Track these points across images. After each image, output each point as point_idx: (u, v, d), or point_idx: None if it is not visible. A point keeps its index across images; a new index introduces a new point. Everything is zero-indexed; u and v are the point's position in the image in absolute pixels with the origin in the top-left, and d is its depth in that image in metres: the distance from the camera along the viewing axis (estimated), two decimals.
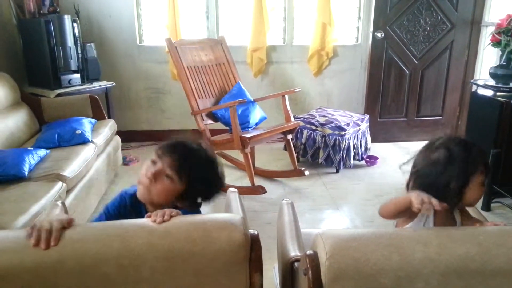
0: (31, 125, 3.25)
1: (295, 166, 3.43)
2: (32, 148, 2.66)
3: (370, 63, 4.21)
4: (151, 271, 0.95)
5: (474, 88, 3.56)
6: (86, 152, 2.83)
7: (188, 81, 3.32)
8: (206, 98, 3.43)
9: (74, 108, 3.38)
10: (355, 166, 3.73)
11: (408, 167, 1.34)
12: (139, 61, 4.23)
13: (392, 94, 4.30)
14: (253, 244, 1.01)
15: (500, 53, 3.30)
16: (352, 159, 3.64)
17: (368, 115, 3.88)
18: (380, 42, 4.12)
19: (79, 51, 3.67)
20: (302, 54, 4.29)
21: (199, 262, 0.97)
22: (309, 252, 1.00)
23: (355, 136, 3.64)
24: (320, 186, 3.39)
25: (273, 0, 4.17)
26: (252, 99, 3.54)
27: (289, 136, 3.39)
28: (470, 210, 1.40)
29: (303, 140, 3.69)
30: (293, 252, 1.32)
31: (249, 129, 3.37)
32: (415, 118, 4.40)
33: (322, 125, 3.58)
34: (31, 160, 2.48)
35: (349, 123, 3.59)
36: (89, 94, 3.50)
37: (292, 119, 3.41)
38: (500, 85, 3.21)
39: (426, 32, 4.14)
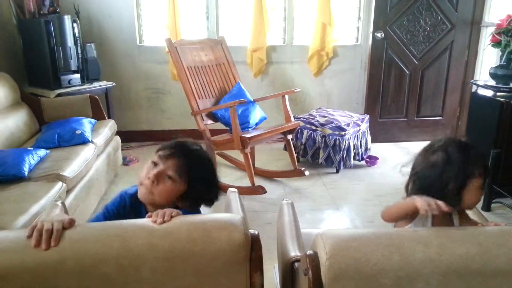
0: (31, 125, 3.25)
1: (295, 166, 3.43)
2: (32, 148, 2.66)
3: (370, 63, 4.21)
4: (151, 271, 0.95)
5: (474, 88, 3.56)
6: (86, 152, 2.82)
7: (188, 81, 3.32)
8: (206, 98, 3.43)
9: (74, 108, 3.38)
10: (355, 166, 3.73)
11: (408, 169, 1.35)
12: (139, 61, 4.23)
13: (392, 94, 4.30)
14: (253, 244, 1.01)
15: (500, 53, 3.30)
16: (352, 159, 3.64)
17: (368, 115, 3.88)
18: (380, 42, 4.12)
19: (79, 51, 3.67)
20: (302, 54, 4.29)
21: (199, 262, 0.96)
22: (309, 252, 1.00)
23: (355, 136, 3.64)
24: (320, 186, 3.39)
25: (273, 0, 4.17)
26: (252, 99, 3.54)
27: (289, 136, 3.39)
28: (470, 210, 1.40)
29: (303, 140, 3.69)
30: (293, 252, 1.32)
31: (249, 129, 3.37)
32: (415, 118, 4.40)
33: (322, 125, 3.58)
34: (31, 160, 2.48)
35: (349, 123, 3.59)
36: (89, 94, 3.50)
37: (292, 119, 3.41)
38: (500, 86, 3.21)
39: (426, 33, 4.14)
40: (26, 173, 2.37)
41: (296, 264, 1.25)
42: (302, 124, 3.61)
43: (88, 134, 3.00)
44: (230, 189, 1.80)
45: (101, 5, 4.03)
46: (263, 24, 4.08)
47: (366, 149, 3.83)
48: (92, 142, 2.99)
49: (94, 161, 2.94)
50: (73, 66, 3.62)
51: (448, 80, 4.31)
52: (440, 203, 1.13)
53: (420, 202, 1.16)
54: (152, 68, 4.25)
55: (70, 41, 3.54)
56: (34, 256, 0.92)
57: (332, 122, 3.56)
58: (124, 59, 4.21)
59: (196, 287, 1.00)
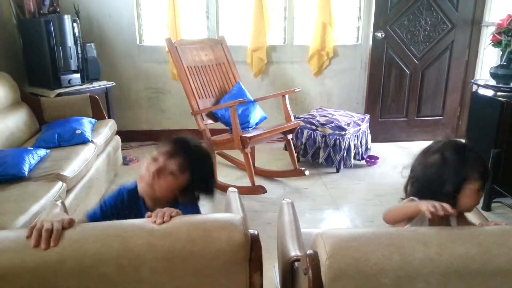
0: (31, 125, 3.25)
1: (295, 166, 3.43)
2: (32, 148, 2.66)
3: (371, 63, 4.21)
4: (151, 272, 0.95)
5: (474, 88, 3.56)
6: (86, 152, 2.82)
7: (188, 81, 3.32)
8: (206, 98, 3.43)
9: (74, 108, 3.38)
10: (356, 166, 3.73)
11: (409, 170, 1.35)
12: (139, 61, 4.23)
13: (392, 94, 4.29)
14: (253, 244, 1.01)
15: (501, 53, 3.30)
16: (352, 159, 3.64)
17: (368, 115, 3.88)
18: (380, 42, 4.12)
19: (79, 51, 3.67)
20: (303, 54, 4.29)
21: (199, 262, 0.96)
22: (309, 251, 1.00)
23: (355, 136, 3.64)
24: (320, 186, 3.39)
25: (273, 0, 4.16)
26: (252, 99, 3.53)
27: (290, 136, 3.39)
28: (470, 211, 1.40)
29: (304, 140, 3.69)
30: (293, 251, 1.32)
31: (249, 129, 3.36)
32: (416, 118, 4.40)
33: (323, 125, 3.57)
34: (31, 160, 2.48)
35: (350, 123, 3.59)
36: (89, 94, 3.50)
37: (293, 119, 3.41)
38: (500, 85, 3.20)
39: (426, 32, 4.14)
40: (26, 173, 2.37)
41: (296, 263, 1.25)
42: (302, 123, 3.61)
43: (88, 134, 3.00)
44: (230, 188, 1.80)
45: (101, 5, 4.03)
46: (263, 24, 4.08)
47: (366, 148, 3.83)
48: (92, 141, 2.99)
49: (94, 161, 2.94)
50: (73, 66, 3.62)
51: (448, 80, 4.31)
52: (446, 205, 1.12)
53: (426, 206, 1.15)
54: (152, 67, 4.25)
55: (70, 41, 3.54)
56: (34, 256, 0.92)
57: (332, 122, 3.56)
58: (124, 59, 4.21)
59: (196, 287, 1.00)
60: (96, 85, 3.80)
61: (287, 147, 3.51)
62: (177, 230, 0.99)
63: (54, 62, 3.47)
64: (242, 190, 3.03)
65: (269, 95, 3.65)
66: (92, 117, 3.34)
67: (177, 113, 4.34)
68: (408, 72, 4.25)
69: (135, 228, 1.00)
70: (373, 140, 4.04)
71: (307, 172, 3.39)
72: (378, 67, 4.20)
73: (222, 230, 0.98)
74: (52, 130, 2.99)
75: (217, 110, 3.35)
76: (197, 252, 0.96)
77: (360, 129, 3.70)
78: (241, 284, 1.02)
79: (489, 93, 3.21)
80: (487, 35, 3.94)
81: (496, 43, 3.24)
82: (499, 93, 3.14)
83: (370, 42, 4.16)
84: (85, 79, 3.74)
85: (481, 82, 3.45)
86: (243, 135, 3.04)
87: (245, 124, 3.33)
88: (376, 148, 4.09)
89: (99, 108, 3.46)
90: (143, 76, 4.27)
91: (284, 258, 1.36)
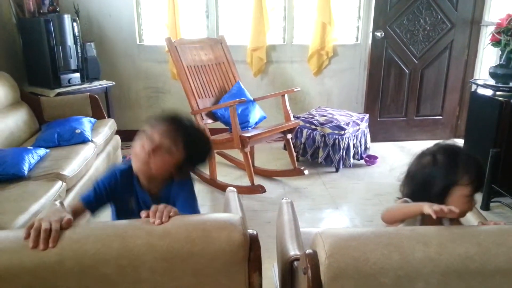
0: (31, 125, 3.25)
1: (294, 166, 3.43)
2: (31, 147, 2.66)
3: (370, 63, 4.21)
4: (150, 272, 0.95)
5: (473, 87, 3.56)
6: (85, 151, 2.83)
7: (188, 80, 3.32)
8: (206, 97, 3.43)
9: (73, 108, 3.38)
10: (355, 166, 3.73)
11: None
12: (139, 61, 4.23)
13: (391, 93, 4.30)
14: (252, 244, 1.01)
15: (500, 52, 3.30)
16: (351, 159, 3.64)
17: (367, 115, 3.88)
18: (380, 42, 4.12)
19: (79, 51, 3.67)
20: (302, 53, 4.29)
21: (198, 262, 0.96)
22: (308, 251, 1.00)
23: (354, 136, 3.65)
24: (320, 185, 3.39)
25: None
26: (251, 99, 3.54)
27: (289, 136, 3.39)
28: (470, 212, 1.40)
29: (303, 140, 3.69)
30: (293, 251, 1.32)
31: (249, 128, 3.37)
32: (415, 118, 4.40)
33: (322, 124, 3.58)
34: (30, 159, 2.48)
35: (349, 122, 3.59)
36: (88, 93, 3.50)
37: (292, 118, 3.41)
38: (499, 85, 3.20)
39: (426, 32, 4.14)
40: (26, 172, 2.37)
41: (295, 263, 1.25)
42: (301, 123, 3.61)
43: (88, 133, 3.00)
44: (228, 188, 1.80)
45: (101, 4, 4.03)
46: (263, 23, 4.08)
47: (366, 148, 3.83)
48: (92, 141, 2.99)
49: (94, 160, 2.94)
50: (73, 65, 3.62)
51: (447, 80, 4.31)
52: (452, 207, 1.12)
53: (429, 207, 1.15)
54: (152, 67, 4.25)
55: (70, 40, 3.54)
56: (33, 257, 0.92)
57: (331, 122, 3.56)
58: (124, 58, 4.21)
59: (195, 287, 1.00)
60: (96, 84, 3.80)
61: (286, 147, 3.51)
62: (176, 230, 0.98)
63: (54, 62, 3.47)
64: (242, 190, 3.04)
65: (269, 95, 3.65)
66: (92, 117, 3.34)
67: None
68: (407, 71, 4.25)
69: (135, 228, 1.00)
70: (372, 140, 4.04)
71: (306, 172, 3.39)
72: (378, 66, 4.20)
73: (222, 230, 0.98)
74: (52, 130, 2.99)
75: (216, 110, 3.35)
76: (196, 252, 0.96)
77: (359, 128, 3.70)
78: (241, 284, 1.02)
79: (488, 92, 3.21)
80: (486, 34, 3.95)
81: (496, 42, 3.24)
82: (498, 93, 3.14)
83: (370, 42, 4.16)
84: (84, 78, 3.74)
85: (480, 82, 3.45)
86: (243, 134, 3.05)
87: (244, 123, 3.33)
88: (375, 148, 4.09)
89: (99, 108, 3.46)
90: (143, 76, 4.27)
91: (283, 257, 1.36)
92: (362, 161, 3.82)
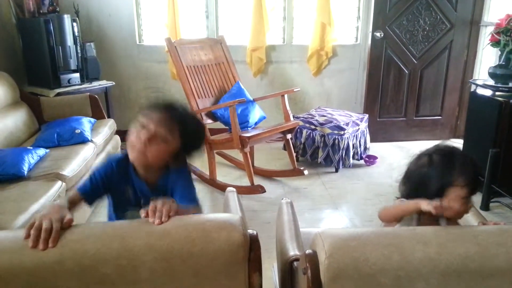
0: (31, 125, 3.25)
1: (294, 166, 3.43)
2: (31, 148, 2.66)
3: (370, 63, 4.21)
4: (150, 272, 0.95)
5: (473, 88, 3.56)
6: (85, 152, 2.83)
7: (188, 80, 3.32)
8: (205, 97, 3.43)
9: (73, 108, 3.38)
10: (354, 166, 3.73)
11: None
12: (138, 61, 4.23)
13: (391, 93, 4.30)
14: (252, 244, 1.01)
15: (499, 53, 3.30)
16: (351, 159, 3.64)
17: (367, 115, 3.88)
18: (379, 42, 4.12)
19: (79, 51, 3.66)
20: (302, 53, 4.29)
21: (198, 263, 0.96)
22: (308, 251, 1.00)
23: (354, 136, 3.65)
24: (319, 185, 3.40)
25: (273, 0, 4.17)
26: (251, 99, 3.54)
27: (289, 136, 3.39)
28: (470, 212, 1.40)
29: (303, 140, 3.69)
30: (293, 251, 1.32)
31: (249, 128, 3.37)
32: (414, 118, 4.40)
33: (322, 124, 3.58)
34: (30, 159, 2.48)
35: (348, 122, 3.59)
36: (88, 93, 3.50)
37: (292, 118, 3.41)
38: (499, 85, 3.20)
39: (425, 32, 4.14)
40: (25, 172, 2.37)
41: (295, 263, 1.25)
42: (301, 123, 3.61)
43: (87, 133, 3.00)
44: (228, 188, 1.80)
45: (100, 4, 4.03)
46: (263, 24, 4.08)
47: (365, 148, 3.83)
48: (91, 141, 2.99)
49: (94, 160, 2.94)
50: (73, 65, 3.62)
51: (447, 80, 4.32)
52: (451, 203, 1.13)
53: (427, 204, 1.16)
54: (152, 67, 4.25)
55: (69, 40, 3.54)
56: (33, 257, 0.92)
57: (331, 122, 3.56)
58: (124, 58, 4.21)
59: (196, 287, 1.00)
60: (96, 84, 3.80)
61: (286, 147, 3.51)
62: (176, 230, 0.98)
63: (53, 62, 3.47)
64: (241, 190, 3.04)
65: (268, 95, 3.65)
66: (92, 117, 3.34)
67: None
68: (407, 72, 4.25)
69: (134, 228, 1.00)
70: (372, 140, 4.04)
71: (306, 172, 3.39)
72: (377, 67, 4.20)
73: (221, 230, 0.98)
74: (52, 130, 2.99)
75: (216, 110, 3.35)
76: (196, 252, 0.95)
77: (359, 128, 3.71)
78: (241, 284, 1.01)
79: (488, 93, 3.21)
80: (485, 35, 3.95)
81: (495, 43, 3.24)
82: (497, 93, 3.14)
83: (369, 42, 4.16)
84: (84, 78, 3.74)
85: (479, 82, 3.45)
86: (242, 134, 3.05)
87: (244, 123, 3.33)
88: (375, 148, 4.09)
89: (99, 108, 3.46)
90: (142, 76, 4.27)
91: (283, 257, 1.36)
92: (362, 161, 3.82)
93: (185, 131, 1.31)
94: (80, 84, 3.69)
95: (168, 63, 4.16)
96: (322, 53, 4.23)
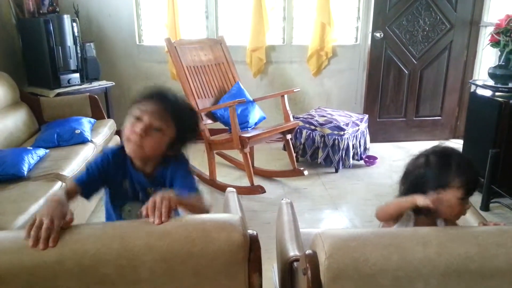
0: (30, 125, 3.25)
1: (294, 166, 3.43)
2: (31, 148, 2.66)
3: (369, 63, 4.21)
4: (150, 272, 0.95)
5: (473, 88, 3.56)
6: (85, 152, 2.82)
7: (188, 81, 3.32)
8: (205, 98, 3.43)
9: (73, 108, 3.38)
10: (354, 166, 3.73)
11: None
12: (138, 61, 4.23)
13: (391, 94, 4.30)
14: (252, 244, 1.01)
15: (499, 53, 3.31)
16: (351, 159, 3.64)
17: (367, 115, 3.88)
18: (379, 42, 4.12)
19: (79, 51, 3.66)
20: (302, 54, 4.29)
21: (198, 263, 0.96)
22: (308, 251, 1.00)
23: (354, 136, 3.65)
24: (319, 186, 3.40)
25: (273, 0, 4.17)
26: (251, 99, 3.54)
27: (288, 136, 3.39)
28: (469, 211, 1.40)
29: (302, 140, 3.69)
30: (292, 252, 1.32)
31: (248, 129, 3.37)
32: (414, 118, 4.40)
33: (321, 125, 3.58)
34: (30, 159, 2.47)
35: (348, 123, 3.59)
36: (88, 93, 3.50)
37: (291, 119, 3.41)
38: (499, 85, 3.21)
39: (425, 32, 4.14)
40: (25, 173, 2.37)
41: (295, 263, 1.25)
42: (301, 123, 3.61)
43: (87, 134, 3.00)
44: (228, 189, 1.80)
45: (100, 4, 4.03)
46: (263, 24, 4.08)
47: (365, 149, 3.83)
48: (91, 141, 2.99)
49: None
50: (73, 66, 3.62)
51: (447, 80, 4.32)
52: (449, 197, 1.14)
53: (423, 199, 1.17)
54: (152, 67, 4.25)
55: (69, 41, 3.54)
56: (33, 257, 0.92)
57: (331, 122, 3.56)
58: (124, 59, 4.21)
59: None
60: (96, 84, 3.80)
61: (286, 147, 3.51)
62: (175, 230, 0.98)
63: (53, 62, 3.46)
64: (241, 190, 3.04)
65: (268, 95, 3.65)
66: (92, 117, 3.33)
67: None
68: (406, 72, 4.25)
69: (134, 228, 1.00)
70: (372, 140, 4.04)
71: (306, 172, 3.39)
72: (377, 67, 4.20)
73: (221, 230, 0.98)
74: (52, 130, 2.99)
75: (216, 110, 3.35)
76: (196, 253, 0.95)
77: (358, 129, 3.71)
78: (241, 284, 1.01)
79: (488, 93, 3.22)
80: (485, 35, 3.95)
81: (495, 43, 3.24)
82: (497, 94, 3.14)
83: (369, 42, 4.16)
84: (84, 78, 3.74)
85: (479, 83, 3.45)
86: (242, 135, 3.05)
87: (244, 124, 3.33)
88: (375, 148, 4.09)
89: (99, 108, 3.46)
90: (142, 76, 4.27)
91: (283, 258, 1.36)
92: (362, 162, 3.82)
93: (179, 119, 1.31)
94: (80, 85, 3.68)
95: (168, 63, 4.16)
96: (322, 53, 4.24)
